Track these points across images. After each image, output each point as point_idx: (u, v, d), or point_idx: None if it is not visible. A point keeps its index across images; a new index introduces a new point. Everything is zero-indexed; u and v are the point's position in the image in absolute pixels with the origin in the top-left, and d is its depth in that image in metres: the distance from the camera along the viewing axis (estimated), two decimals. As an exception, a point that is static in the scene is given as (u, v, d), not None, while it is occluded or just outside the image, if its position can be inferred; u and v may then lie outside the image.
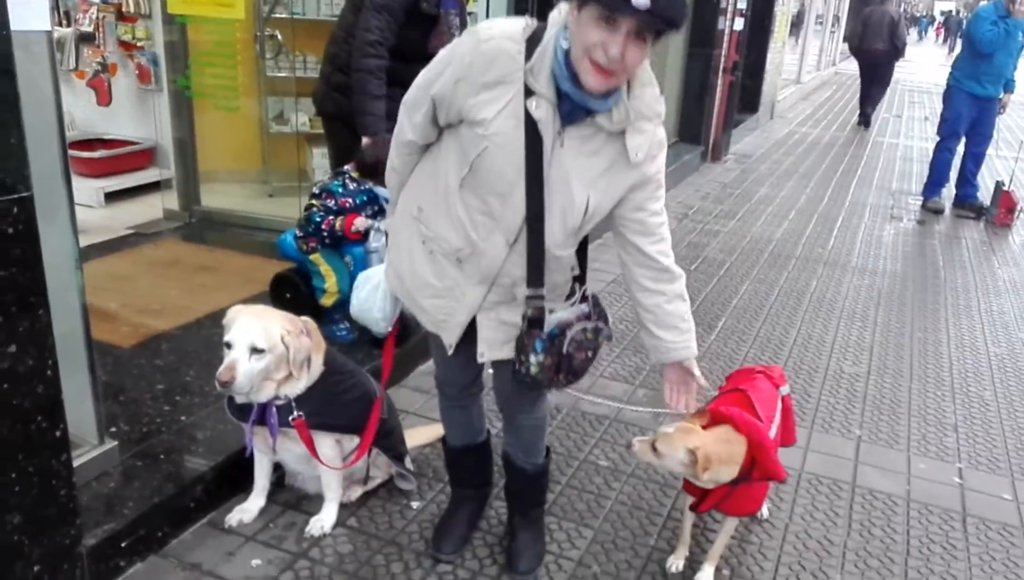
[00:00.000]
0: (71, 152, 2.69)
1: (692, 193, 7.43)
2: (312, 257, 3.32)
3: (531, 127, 1.78)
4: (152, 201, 5.26)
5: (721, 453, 2.19)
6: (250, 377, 2.21)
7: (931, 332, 4.56)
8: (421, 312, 2.10)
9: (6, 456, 1.81)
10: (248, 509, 2.55)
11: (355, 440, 2.51)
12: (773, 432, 2.39)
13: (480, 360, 2.07)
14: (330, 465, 2.46)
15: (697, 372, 2.08)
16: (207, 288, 3.95)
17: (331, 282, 3.32)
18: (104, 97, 5.53)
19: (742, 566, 2.55)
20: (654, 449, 2.25)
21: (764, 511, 2.75)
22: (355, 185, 3.30)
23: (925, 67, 23.84)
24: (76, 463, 2.10)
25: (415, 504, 2.70)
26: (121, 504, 2.34)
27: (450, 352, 2.09)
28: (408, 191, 2.09)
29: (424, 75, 1.92)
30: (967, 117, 7.14)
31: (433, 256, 2.01)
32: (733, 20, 8.81)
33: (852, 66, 14.09)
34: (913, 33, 37.41)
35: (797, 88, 15.13)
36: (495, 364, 2.18)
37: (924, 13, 52.40)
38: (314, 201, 3.28)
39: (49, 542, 1.96)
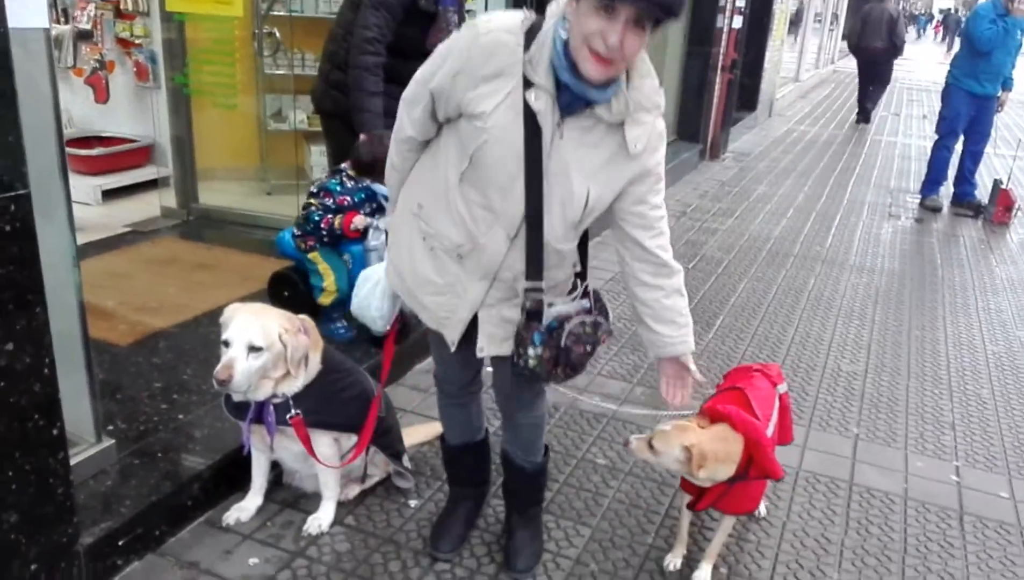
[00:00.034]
0: (68, 150, 2.70)
1: (690, 191, 7.43)
2: (310, 255, 3.32)
3: (530, 119, 1.78)
4: (150, 199, 5.25)
5: (717, 451, 2.20)
6: (248, 375, 2.21)
7: (929, 330, 4.57)
8: (422, 310, 2.10)
9: (3, 454, 1.80)
10: (246, 507, 2.55)
11: (353, 438, 2.51)
12: (770, 430, 2.39)
13: (479, 355, 2.07)
14: (327, 464, 2.46)
15: (693, 367, 2.08)
16: (205, 286, 3.95)
17: (329, 281, 3.32)
18: (102, 95, 5.52)
19: (740, 564, 2.55)
20: (651, 446, 2.25)
21: (762, 509, 2.75)
22: (353, 183, 3.30)
23: (924, 65, 23.84)
24: (73, 461, 2.10)
25: (413, 502, 2.70)
26: (118, 502, 2.34)
27: (453, 349, 2.09)
28: (408, 188, 2.09)
29: (423, 70, 1.92)
30: (965, 115, 7.14)
31: (434, 253, 2.00)
32: (732, 18, 8.81)
33: (851, 64, 14.10)
34: (912, 31, 37.43)
35: (796, 86, 15.13)
36: (494, 361, 2.18)
37: (923, 11, 52.41)
38: (312, 200, 3.28)
39: (46, 540, 1.96)
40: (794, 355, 4.10)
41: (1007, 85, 7.06)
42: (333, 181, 3.30)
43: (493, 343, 2.04)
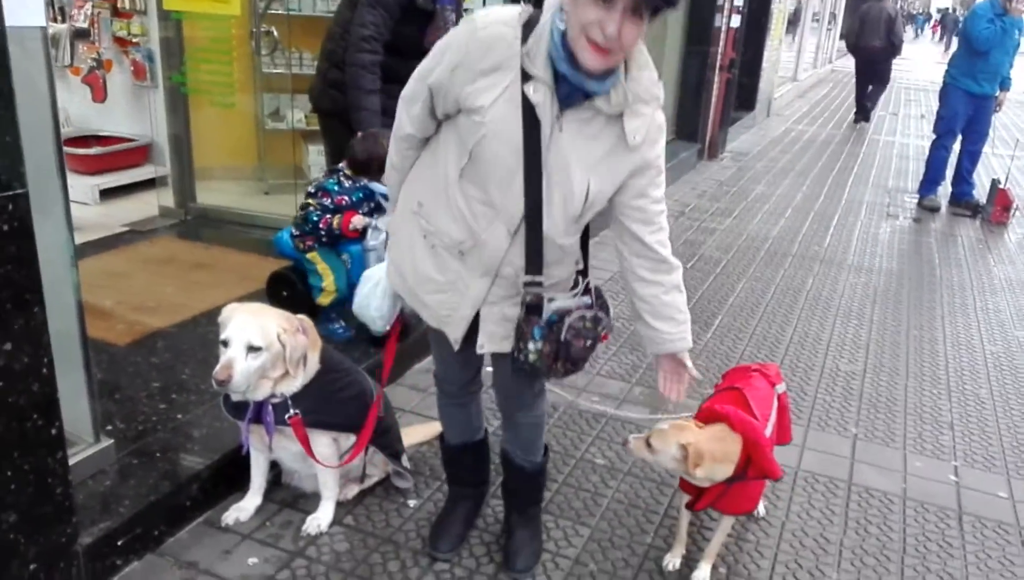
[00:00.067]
0: (66, 149, 2.68)
1: (688, 191, 7.43)
2: (309, 255, 3.31)
3: (529, 112, 1.78)
4: (147, 198, 5.24)
5: (715, 450, 2.20)
6: (247, 375, 2.21)
7: (927, 330, 4.57)
8: (424, 308, 2.09)
9: (2, 454, 1.80)
10: (244, 507, 2.54)
11: (352, 438, 2.51)
12: (769, 430, 2.39)
13: (479, 351, 2.06)
14: (325, 464, 2.45)
15: (689, 364, 2.08)
16: (203, 286, 3.94)
17: (328, 281, 3.31)
18: (99, 94, 5.51)
19: (739, 564, 2.55)
20: (648, 445, 2.25)
21: (760, 509, 2.75)
22: (350, 182, 3.29)
23: (921, 65, 23.87)
24: (72, 461, 2.09)
25: (412, 502, 2.70)
26: (117, 502, 2.34)
27: (456, 347, 2.08)
28: (407, 187, 2.09)
29: (421, 67, 1.93)
30: (963, 115, 7.15)
31: (435, 250, 2.00)
32: (730, 17, 8.81)
33: (849, 64, 14.11)
34: (909, 30, 37.44)
35: (794, 86, 15.14)
36: (494, 359, 2.18)
37: (921, 10, 52.47)
38: (310, 200, 3.27)
39: (45, 540, 1.95)
40: (792, 355, 4.10)
41: (1005, 85, 7.07)
42: (331, 181, 3.29)
43: (493, 341, 2.03)
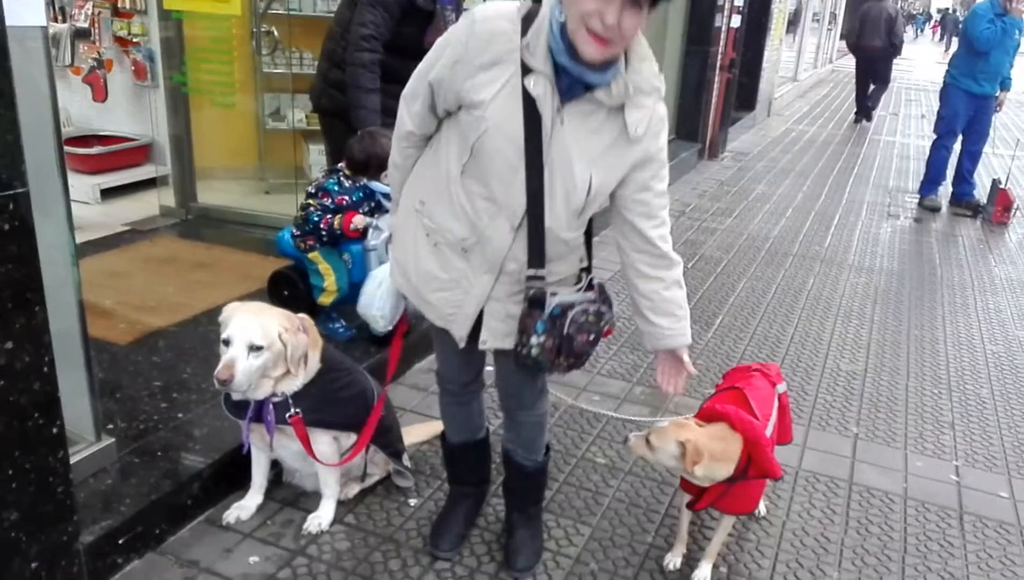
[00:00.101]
0: (67, 148, 2.69)
1: (689, 191, 7.43)
2: (310, 255, 3.31)
3: (530, 105, 1.78)
4: (148, 198, 5.25)
5: (714, 449, 2.19)
6: (248, 374, 2.21)
7: (928, 330, 4.57)
8: (428, 307, 2.08)
9: (3, 453, 1.80)
10: (246, 506, 2.55)
11: (352, 437, 2.51)
12: (770, 430, 2.39)
13: (482, 347, 2.06)
14: (326, 462, 2.45)
15: (687, 359, 2.08)
16: (203, 285, 3.94)
17: (330, 281, 3.31)
18: (100, 93, 5.51)
19: (739, 563, 2.55)
20: (648, 443, 2.26)
21: (761, 508, 2.75)
22: (350, 182, 3.29)
23: (922, 65, 23.87)
24: (73, 460, 2.09)
25: (413, 501, 2.70)
26: (118, 501, 2.34)
27: (461, 345, 2.07)
28: (409, 186, 2.09)
29: (422, 64, 1.93)
30: (964, 115, 7.15)
31: (438, 248, 2.00)
32: (730, 17, 8.81)
33: (849, 63, 14.11)
34: (909, 31, 37.45)
35: (794, 86, 15.13)
36: (497, 357, 2.18)
37: (920, 11, 52.46)
38: (311, 201, 3.27)
39: (47, 539, 1.95)
40: (793, 354, 4.10)
41: (1005, 85, 7.07)
42: (331, 181, 3.29)
43: (496, 337, 2.03)
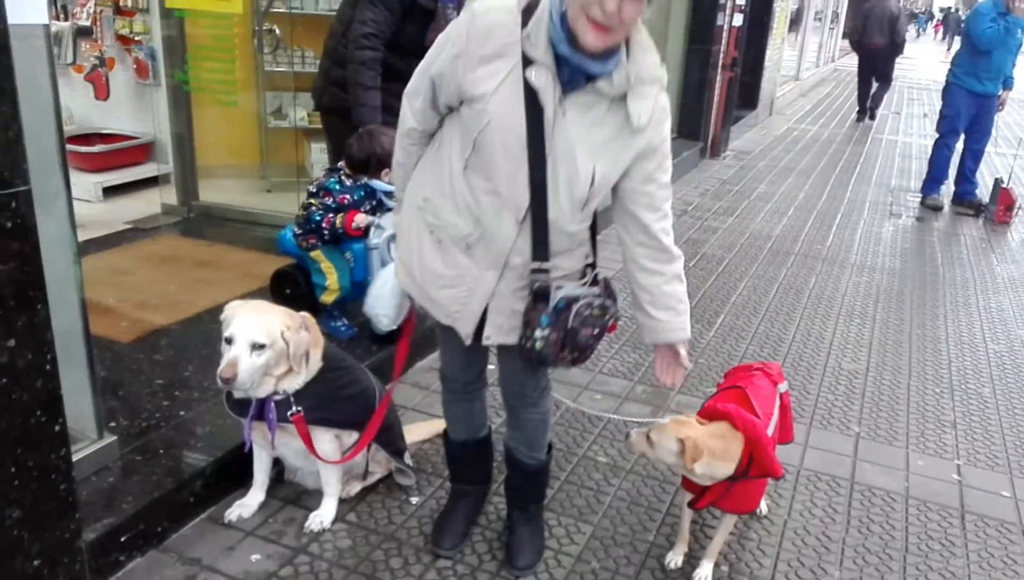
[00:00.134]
0: (69, 147, 2.69)
1: (691, 189, 7.42)
2: (313, 254, 3.32)
3: (531, 97, 1.78)
4: (150, 196, 5.26)
5: (715, 447, 2.19)
6: (251, 373, 2.21)
7: (930, 329, 4.56)
8: (433, 305, 2.08)
9: (5, 451, 1.80)
10: (247, 504, 2.55)
11: (354, 436, 2.51)
12: (771, 429, 2.39)
13: (486, 342, 2.06)
14: (327, 460, 2.46)
15: (683, 353, 2.09)
16: (205, 283, 3.95)
17: (332, 279, 3.31)
18: (102, 91, 5.52)
19: (741, 562, 2.55)
20: (649, 439, 2.26)
21: (763, 507, 2.75)
22: (351, 181, 3.29)
23: (924, 64, 23.84)
24: (75, 458, 2.10)
25: (414, 499, 2.70)
26: (120, 499, 2.34)
27: (468, 342, 2.07)
28: (413, 183, 2.09)
29: (423, 60, 1.94)
30: (966, 114, 7.14)
31: (442, 245, 2.00)
32: (732, 16, 8.80)
33: (851, 62, 14.09)
34: (911, 29, 37.40)
35: (796, 84, 15.12)
36: (501, 354, 2.18)
37: (923, 9, 52.39)
38: (312, 200, 3.27)
39: (49, 536, 1.95)
40: (795, 354, 4.10)
41: (1008, 84, 7.06)
42: (332, 180, 3.29)
43: (500, 332, 2.03)
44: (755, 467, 2.24)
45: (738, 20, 8.97)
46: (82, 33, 5.40)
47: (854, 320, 4.60)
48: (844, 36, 19.30)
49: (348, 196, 3.26)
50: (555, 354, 1.94)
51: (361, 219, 3.23)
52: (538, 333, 1.92)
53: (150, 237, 4.64)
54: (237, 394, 2.32)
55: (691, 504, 2.39)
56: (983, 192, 7.52)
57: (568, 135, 1.81)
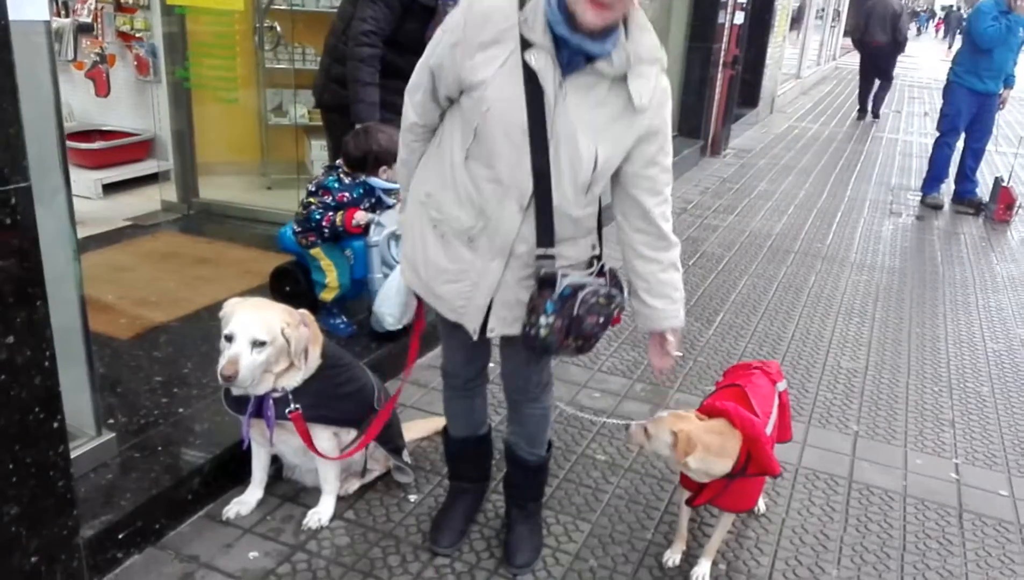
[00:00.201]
0: (69, 143, 2.69)
1: (691, 188, 7.42)
2: (313, 251, 3.32)
3: (531, 80, 1.78)
4: (150, 193, 5.26)
5: (710, 443, 2.19)
6: (252, 370, 2.21)
7: (929, 328, 4.57)
8: (439, 301, 2.07)
9: (4, 447, 1.80)
10: (246, 501, 2.55)
11: (352, 433, 2.51)
12: (770, 428, 2.39)
13: (489, 335, 2.05)
14: (326, 455, 2.46)
15: (672, 340, 2.09)
16: (205, 280, 3.95)
17: (332, 277, 3.32)
18: (102, 88, 5.52)
19: (739, 560, 2.55)
20: (646, 431, 2.26)
21: (761, 506, 2.75)
22: (350, 179, 3.29)
23: (925, 62, 23.81)
24: (74, 454, 2.10)
25: (412, 497, 2.71)
26: (119, 496, 2.34)
27: (475, 337, 2.06)
28: (415, 181, 2.09)
29: (423, 56, 1.95)
30: (967, 113, 7.13)
31: (445, 239, 2.00)
32: (733, 14, 8.79)
33: (852, 61, 14.07)
34: (912, 28, 37.35)
35: (797, 83, 15.10)
36: (504, 346, 2.18)
37: (924, 8, 52.32)
38: (312, 199, 3.27)
39: (47, 533, 1.96)
40: (794, 352, 4.10)
41: (1009, 82, 7.05)
42: (330, 178, 3.29)
43: (504, 324, 2.02)
44: (753, 465, 2.25)
45: (739, 18, 8.96)
46: (83, 30, 5.40)
47: (853, 318, 4.60)
48: (845, 34, 19.29)
49: (347, 194, 3.26)
50: (559, 342, 1.93)
51: (361, 216, 3.23)
52: (543, 320, 1.90)
53: (150, 234, 4.64)
54: (235, 391, 2.33)
55: (689, 501, 2.40)
56: (983, 191, 7.51)
57: (569, 118, 1.81)
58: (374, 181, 3.27)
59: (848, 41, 15.78)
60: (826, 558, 2.60)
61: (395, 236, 3.25)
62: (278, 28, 5.18)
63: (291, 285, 3.51)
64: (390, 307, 3.12)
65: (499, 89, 1.79)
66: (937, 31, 45.44)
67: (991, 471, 3.19)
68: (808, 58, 16.54)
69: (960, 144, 7.42)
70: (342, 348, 2.67)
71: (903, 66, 17.18)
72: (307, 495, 2.63)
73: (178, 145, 5.07)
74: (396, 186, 3.20)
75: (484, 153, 1.86)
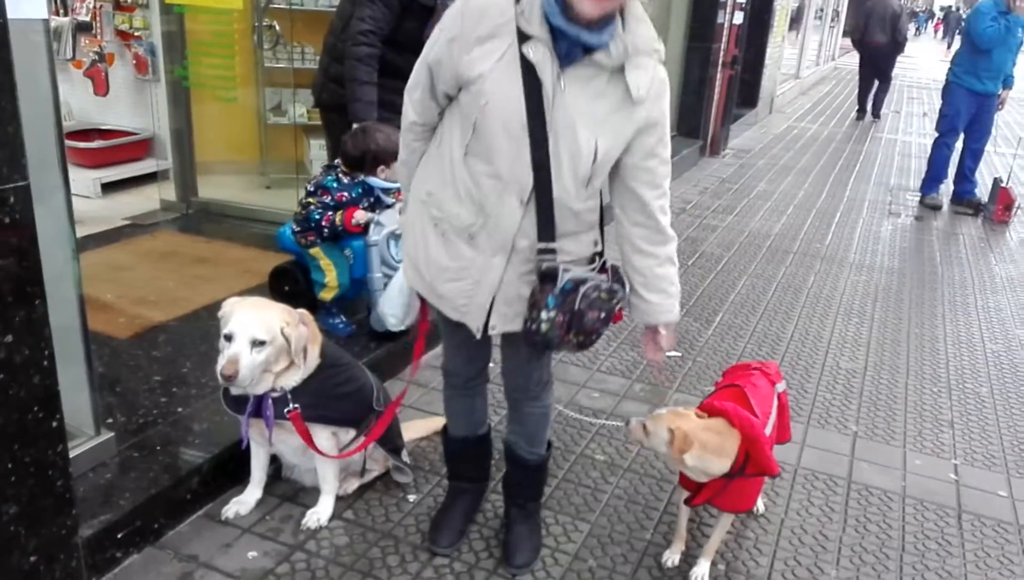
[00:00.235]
0: (68, 142, 2.69)
1: (690, 188, 7.42)
2: (312, 251, 3.32)
3: (529, 73, 1.78)
4: (149, 192, 5.25)
5: (708, 441, 2.19)
6: (252, 370, 2.21)
7: (928, 328, 4.57)
8: (441, 301, 2.07)
9: (3, 446, 1.80)
10: (245, 501, 2.55)
11: (351, 433, 2.51)
12: (769, 429, 2.39)
13: (491, 332, 2.05)
14: (326, 454, 2.45)
15: (663, 333, 2.10)
16: (204, 279, 3.94)
17: (331, 276, 3.31)
18: (101, 87, 5.52)
19: (737, 560, 2.55)
20: (645, 428, 2.27)
21: (760, 506, 2.75)
22: (348, 178, 3.29)
23: (924, 62, 23.82)
24: (72, 454, 2.10)
25: (412, 497, 2.70)
26: (117, 495, 2.34)
27: (478, 336, 2.05)
28: (416, 180, 2.09)
29: (422, 54, 1.95)
30: (966, 113, 7.13)
31: (446, 237, 1.99)
32: (732, 14, 8.79)
33: (852, 61, 14.08)
34: (912, 28, 37.38)
35: (796, 83, 15.11)
36: (505, 344, 2.18)
37: (923, 8, 52.35)
38: (311, 199, 3.26)
39: (46, 533, 1.95)
40: (793, 352, 4.10)
41: (1008, 83, 7.05)
42: (329, 178, 3.28)
43: (505, 320, 2.02)
44: (752, 465, 2.25)
45: (739, 18, 8.96)
46: (81, 28, 5.40)
47: (852, 319, 4.60)
48: (845, 34, 19.29)
49: (346, 193, 3.26)
50: (561, 337, 1.92)
51: (361, 216, 3.22)
52: (544, 315, 1.90)
53: (149, 233, 4.63)
54: (234, 391, 2.32)
55: (687, 501, 2.40)
56: (982, 191, 7.51)
57: (568, 110, 1.81)
58: (373, 180, 3.26)
59: (847, 41, 15.79)
60: (825, 558, 2.60)
61: (394, 235, 3.25)
62: (277, 27, 5.17)
63: (290, 284, 3.51)
64: (393, 308, 3.12)
65: (497, 82, 1.79)
66: (936, 31, 45.47)
67: (990, 472, 3.19)
68: (807, 58, 16.55)
69: (959, 145, 7.43)
70: (341, 348, 2.67)
71: (902, 66, 17.19)
72: (306, 495, 2.63)
73: (177, 144, 5.06)
74: (395, 185, 3.21)
75: (483, 148, 1.86)
